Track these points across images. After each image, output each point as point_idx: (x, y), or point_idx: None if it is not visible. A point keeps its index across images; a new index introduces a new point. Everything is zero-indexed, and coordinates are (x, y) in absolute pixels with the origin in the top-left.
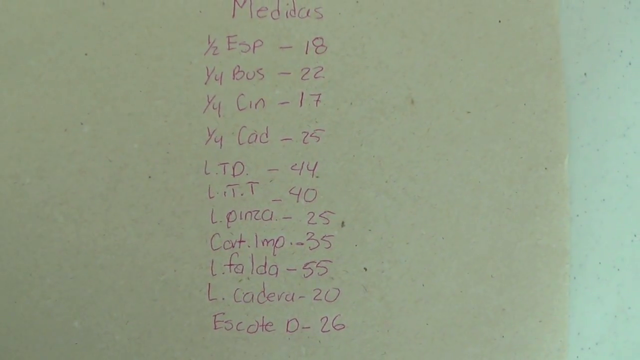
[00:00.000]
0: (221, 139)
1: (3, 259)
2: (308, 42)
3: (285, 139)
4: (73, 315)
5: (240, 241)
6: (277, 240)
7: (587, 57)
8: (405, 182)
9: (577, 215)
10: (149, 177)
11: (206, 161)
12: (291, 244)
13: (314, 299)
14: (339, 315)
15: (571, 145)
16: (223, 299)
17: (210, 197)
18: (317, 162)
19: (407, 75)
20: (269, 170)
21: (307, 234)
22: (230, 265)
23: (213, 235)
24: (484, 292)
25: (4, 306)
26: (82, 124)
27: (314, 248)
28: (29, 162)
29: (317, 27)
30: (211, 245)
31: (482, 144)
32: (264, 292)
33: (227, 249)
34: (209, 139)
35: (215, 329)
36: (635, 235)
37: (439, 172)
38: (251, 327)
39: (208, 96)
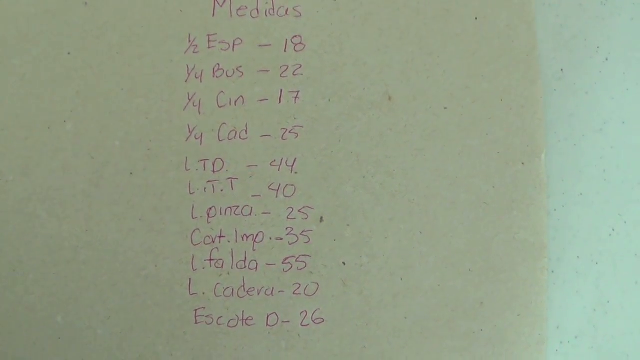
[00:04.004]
0: (201, 135)
1: None
2: (287, 40)
3: (265, 136)
4: (56, 311)
5: (220, 236)
6: (257, 235)
7: (564, 53)
8: (383, 178)
9: (555, 210)
10: (131, 173)
11: (186, 158)
12: (270, 239)
13: (294, 293)
14: (318, 309)
15: (548, 141)
16: (203, 293)
17: (191, 193)
18: (295, 158)
19: (385, 72)
20: (249, 166)
21: (287, 229)
22: (210, 260)
23: (193, 231)
24: (462, 286)
25: None
26: (65, 121)
27: (293, 243)
28: (12, 159)
29: (295, 25)
30: (192, 241)
31: (459, 140)
32: (244, 286)
33: (207, 244)
34: (190, 135)
35: (196, 323)
36: (613, 229)
37: (416, 168)
38: (231, 321)
39: (188, 94)
